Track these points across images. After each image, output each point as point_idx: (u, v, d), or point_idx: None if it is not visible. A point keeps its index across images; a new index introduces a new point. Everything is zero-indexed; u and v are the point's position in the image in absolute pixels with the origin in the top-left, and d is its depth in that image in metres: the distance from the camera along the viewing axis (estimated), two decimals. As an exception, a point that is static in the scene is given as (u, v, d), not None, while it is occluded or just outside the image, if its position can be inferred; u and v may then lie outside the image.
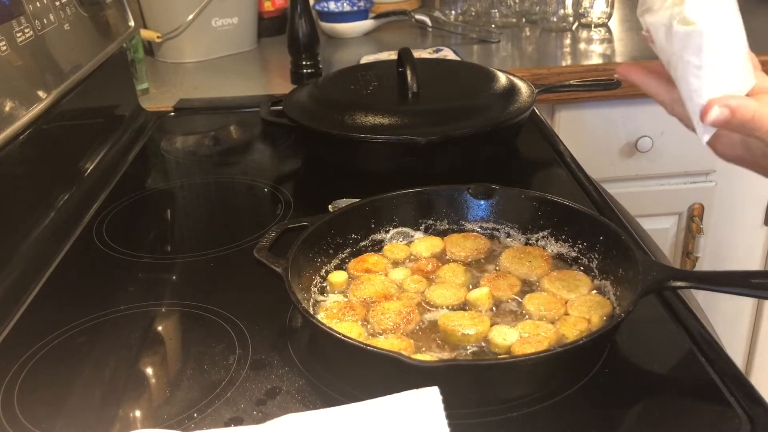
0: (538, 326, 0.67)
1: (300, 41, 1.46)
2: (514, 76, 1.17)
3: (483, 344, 0.66)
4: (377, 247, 0.82)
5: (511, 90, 1.11)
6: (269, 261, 0.70)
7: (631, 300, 0.63)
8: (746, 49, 0.64)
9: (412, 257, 0.80)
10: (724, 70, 0.61)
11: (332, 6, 1.84)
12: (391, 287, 0.75)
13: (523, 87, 1.13)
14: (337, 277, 0.76)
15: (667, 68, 0.64)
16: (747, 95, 0.62)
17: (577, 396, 0.62)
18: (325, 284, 0.76)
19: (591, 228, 0.76)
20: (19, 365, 0.70)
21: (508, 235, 0.82)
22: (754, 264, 1.70)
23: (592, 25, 1.77)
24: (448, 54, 1.59)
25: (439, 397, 0.53)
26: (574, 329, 0.67)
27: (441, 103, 1.08)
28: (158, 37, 1.69)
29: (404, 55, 1.12)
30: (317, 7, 1.82)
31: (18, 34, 0.90)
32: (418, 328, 0.69)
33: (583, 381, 0.64)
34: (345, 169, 1.07)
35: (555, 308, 0.70)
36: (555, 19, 1.78)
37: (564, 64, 1.56)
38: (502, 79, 1.14)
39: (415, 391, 0.54)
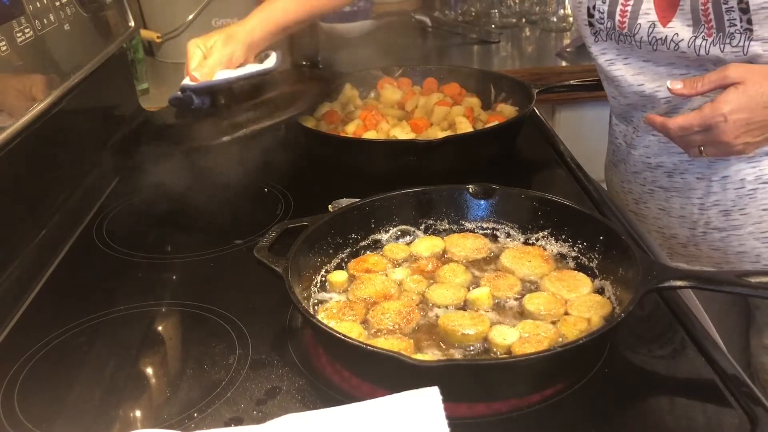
0: (538, 326, 0.67)
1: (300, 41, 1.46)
2: (514, 76, 1.17)
3: (483, 344, 0.66)
4: (377, 247, 0.82)
5: (511, 90, 1.11)
6: (269, 261, 0.70)
7: (630, 300, 0.63)
8: None
9: (412, 257, 0.80)
10: None
11: (332, 6, 1.84)
12: (391, 287, 0.74)
13: (523, 87, 1.13)
14: (337, 276, 0.76)
15: None
16: None
17: (577, 396, 0.62)
18: (325, 284, 0.76)
19: (591, 228, 0.76)
20: (19, 365, 0.70)
21: (508, 235, 0.82)
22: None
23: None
24: None
25: (439, 397, 0.53)
26: (574, 329, 0.67)
27: (441, 103, 1.08)
28: (158, 37, 1.69)
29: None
30: (317, 7, 1.82)
31: (18, 34, 0.90)
32: (418, 328, 0.69)
33: (583, 381, 0.64)
34: (345, 169, 1.07)
35: (555, 308, 0.70)
36: (555, 19, 1.78)
37: (564, 64, 1.56)
38: (502, 78, 1.14)
39: (415, 391, 0.54)
